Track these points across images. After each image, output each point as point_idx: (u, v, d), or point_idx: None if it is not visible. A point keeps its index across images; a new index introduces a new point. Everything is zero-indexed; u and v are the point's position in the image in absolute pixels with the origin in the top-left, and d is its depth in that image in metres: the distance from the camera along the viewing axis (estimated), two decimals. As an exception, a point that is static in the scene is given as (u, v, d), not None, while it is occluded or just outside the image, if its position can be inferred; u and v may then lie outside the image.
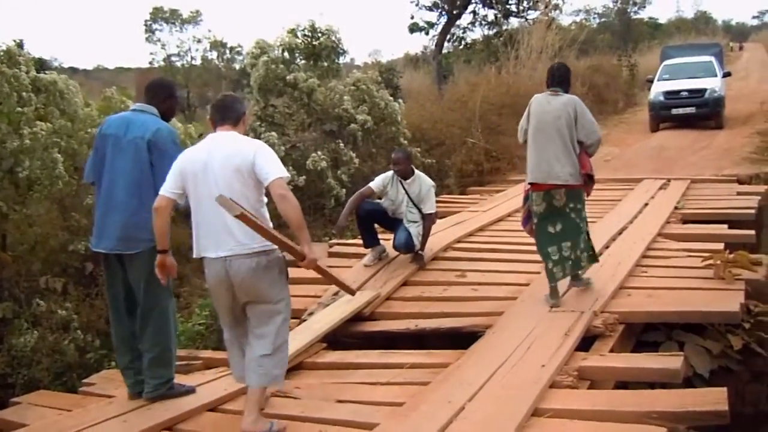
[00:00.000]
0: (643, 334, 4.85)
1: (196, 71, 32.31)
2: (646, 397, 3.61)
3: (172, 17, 32.04)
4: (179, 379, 4.11)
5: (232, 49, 33.89)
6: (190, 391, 4.00)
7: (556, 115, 4.92)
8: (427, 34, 21.14)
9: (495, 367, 3.92)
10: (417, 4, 20.21)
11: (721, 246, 5.95)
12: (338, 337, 5.01)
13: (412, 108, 12.46)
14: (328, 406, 3.80)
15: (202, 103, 28.81)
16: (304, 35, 10.18)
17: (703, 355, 4.56)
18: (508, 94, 13.85)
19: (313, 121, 9.67)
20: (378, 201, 6.39)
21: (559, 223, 4.99)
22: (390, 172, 6.28)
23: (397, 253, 6.31)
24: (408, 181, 6.20)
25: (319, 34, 10.19)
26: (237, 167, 3.39)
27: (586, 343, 4.33)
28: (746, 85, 21.79)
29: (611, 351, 4.26)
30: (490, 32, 20.41)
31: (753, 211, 7.71)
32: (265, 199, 3.54)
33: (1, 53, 6.01)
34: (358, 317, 5.22)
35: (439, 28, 20.37)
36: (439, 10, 20.19)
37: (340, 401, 3.85)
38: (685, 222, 7.52)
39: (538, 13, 19.38)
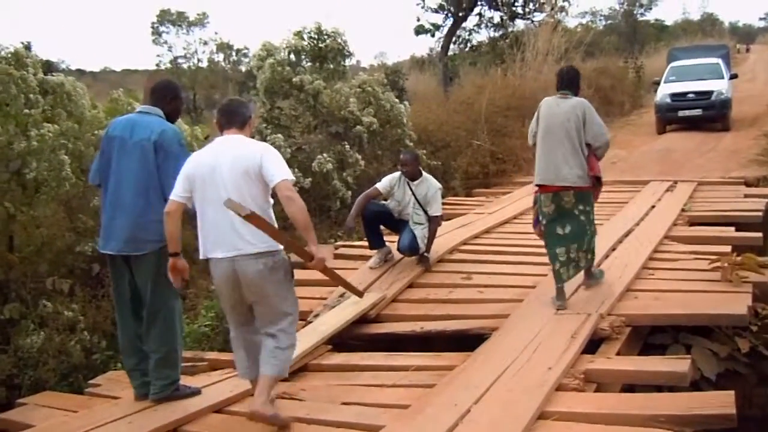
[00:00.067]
0: (650, 336, 4.83)
1: (203, 73, 32.45)
2: (653, 400, 3.59)
3: (178, 19, 32.23)
4: (185, 381, 4.11)
5: (238, 51, 34.11)
6: (196, 392, 4.01)
7: (565, 118, 4.95)
8: (432, 36, 21.09)
9: (501, 369, 3.92)
10: (423, 7, 20.17)
11: (728, 248, 5.94)
12: (344, 339, 5.01)
13: (418, 110, 12.44)
14: (334, 408, 3.80)
15: (208, 105, 28.90)
16: (310, 37, 10.19)
17: (710, 358, 4.55)
18: (513, 97, 13.83)
19: (319, 123, 9.67)
20: (383, 202, 6.39)
21: (568, 225, 5.01)
22: (397, 173, 6.28)
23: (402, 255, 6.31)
24: (415, 182, 6.20)
25: (325, 37, 10.20)
26: (245, 170, 3.42)
27: (592, 345, 4.32)
28: (753, 87, 21.71)
29: (618, 354, 4.25)
30: (496, 34, 20.36)
31: (760, 213, 7.67)
32: (272, 201, 3.56)
33: (9, 55, 6.02)
34: (363, 319, 5.22)
35: (445, 30, 20.32)
36: (445, 13, 20.15)
37: (345, 403, 3.85)
38: (692, 224, 7.49)
39: (544, 15, 19.32)
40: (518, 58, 16.12)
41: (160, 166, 3.77)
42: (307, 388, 4.17)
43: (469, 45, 21.44)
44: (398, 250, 6.25)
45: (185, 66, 32.53)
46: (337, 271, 4.91)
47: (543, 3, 19.46)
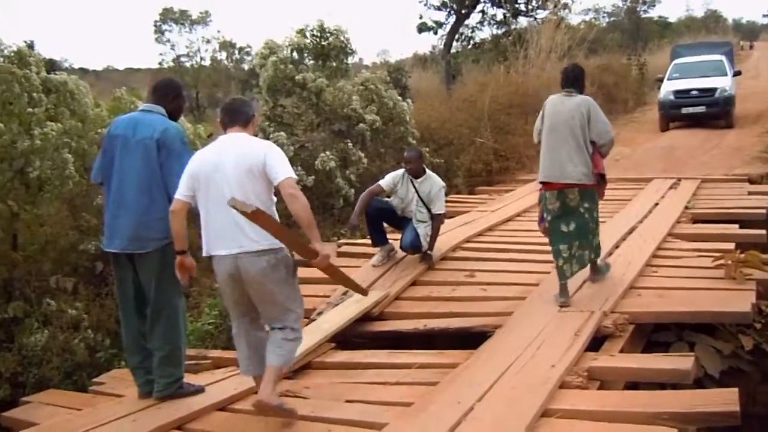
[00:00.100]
0: (654, 334, 4.83)
1: (206, 72, 32.42)
2: (656, 397, 3.59)
3: (181, 18, 32.19)
4: (188, 379, 4.12)
5: (241, 49, 34.04)
6: (200, 390, 4.01)
7: (570, 116, 4.95)
8: (435, 33, 21.11)
9: (504, 367, 3.91)
10: (425, 4, 20.17)
11: (732, 246, 5.93)
12: (347, 337, 5.01)
13: (421, 108, 12.43)
14: (337, 405, 3.80)
15: (211, 104, 28.94)
16: (313, 35, 10.18)
17: (713, 356, 4.54)
18: (517, 94, 13.82)
19: (322, 121, 9.67)
20: (387, 199, 6.39)
21: (572, 222, 5.01)
22: (401, 170, 6.28)
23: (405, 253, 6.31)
24: (419, 180, 6.20)
25: (328, 34, 10.19)
26: (249, 168, 3.44)
27: (596, 343, 4.31)
28: (757, 84, 21.66)
29: (621, 351, 4.25)
30: (499, 32, 20.34)
31: (764, 210, 7.64)
32: (275, 199, 3.57)
33: (12, 54, 6.04)
34: (366, 317, 5.22)
35: (448, 27, 20.32)
36: (448, 10, 20.14)
37: (348, 401, 3.85)
38: (695, 222, 7.48)
39: (547, 12, 19.32)
40: (521, 56, 16.09)
41: (163, 164, 3.78)
42: (311, 386, 4.18)
43: (471, 42, 21.43)
44: (401, 247, 6.25)
45: (188, 64, 32.49)
46: (340, 268, 4.91)
47: (546, 0, 19.42)
